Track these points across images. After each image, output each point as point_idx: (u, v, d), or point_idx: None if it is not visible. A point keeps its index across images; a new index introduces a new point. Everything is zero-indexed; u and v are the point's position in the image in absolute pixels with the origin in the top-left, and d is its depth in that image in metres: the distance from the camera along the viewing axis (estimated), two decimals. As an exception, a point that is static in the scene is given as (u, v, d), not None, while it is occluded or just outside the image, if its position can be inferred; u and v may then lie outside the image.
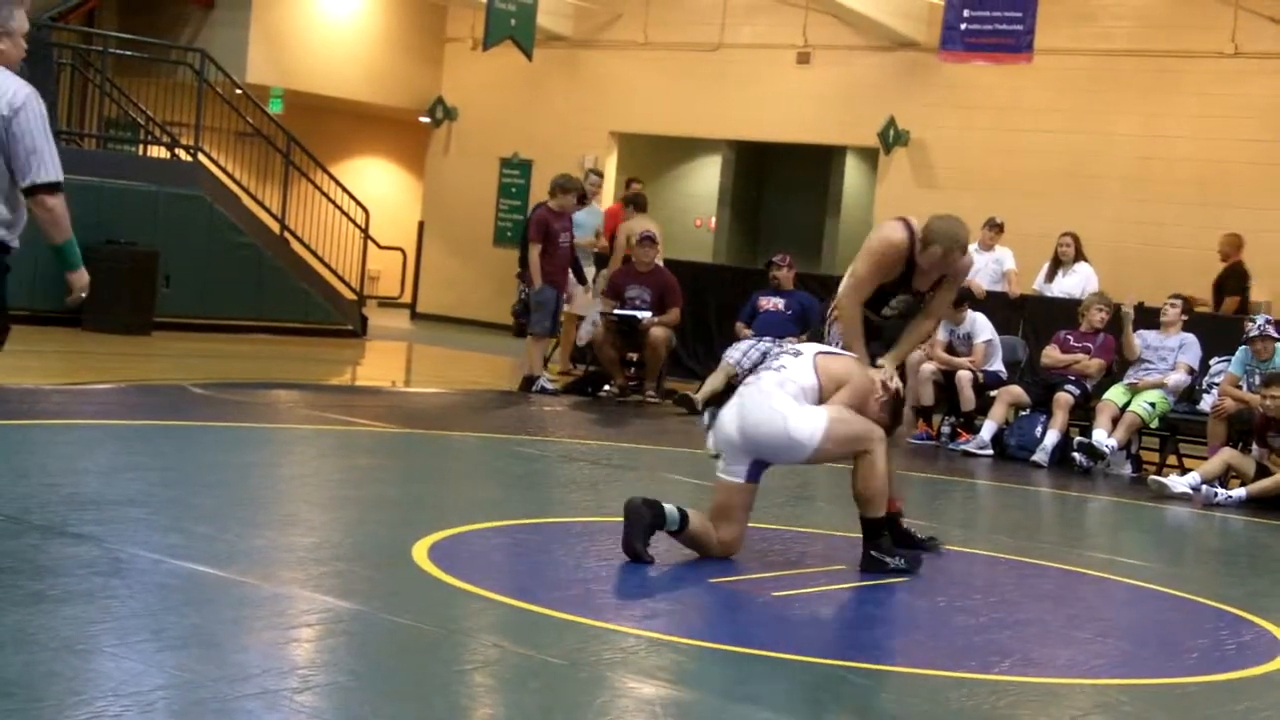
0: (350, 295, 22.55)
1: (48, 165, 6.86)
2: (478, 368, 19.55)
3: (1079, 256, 16.80)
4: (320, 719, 4.96)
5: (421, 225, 27.11)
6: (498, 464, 11.77)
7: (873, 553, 8.12)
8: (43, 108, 6.90)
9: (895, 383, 8.38)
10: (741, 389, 8.28)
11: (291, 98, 25.50)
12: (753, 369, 15.73)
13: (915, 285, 8.62)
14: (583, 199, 17.16)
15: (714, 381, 15.72)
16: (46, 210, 6.88)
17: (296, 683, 5.30)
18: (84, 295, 7.21)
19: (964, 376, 14.69)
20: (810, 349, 8.29)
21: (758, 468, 8.08)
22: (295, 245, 22.16)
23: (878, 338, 8.71)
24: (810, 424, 7.91)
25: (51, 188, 6.88)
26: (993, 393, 14.63)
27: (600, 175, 19.29)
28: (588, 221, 18.22)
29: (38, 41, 19.49)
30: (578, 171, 20.54)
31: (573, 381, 16.97)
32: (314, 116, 26.46)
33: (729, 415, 8.11)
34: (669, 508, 7.93)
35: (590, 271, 17.90)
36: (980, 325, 15.01)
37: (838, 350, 8.42)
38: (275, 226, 21.85)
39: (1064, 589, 8.58)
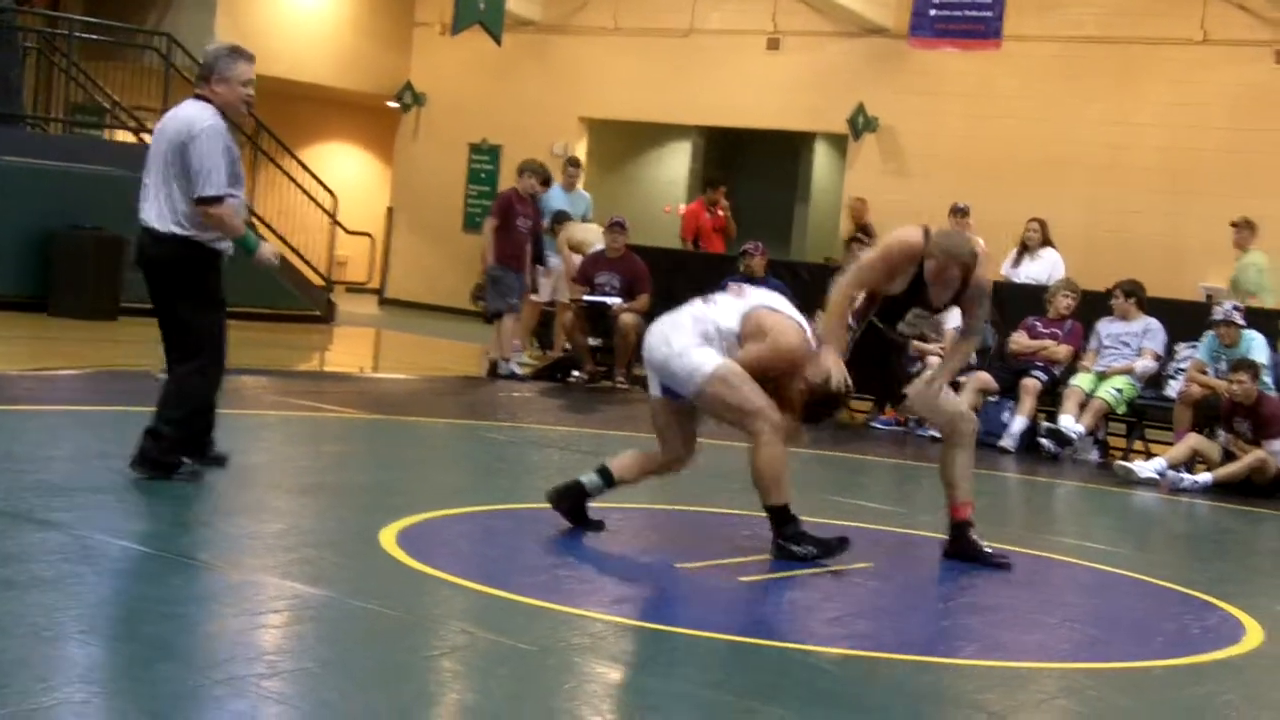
0: (318, 281, 22.50)
1: (212, 182, 8.28)
2: (446, 353, 19.54)
3: (1045, 242, 16.84)
4: (288, 706, 4.96)
5: (390, 211, 27.07)
6: (467, 450, 11.77)
7: (779, 541, 7.97)
8: (219, 137, 8.41)
9: (840, 375, 7.88)
10: (663, 315, 8.26)
11: (259, 82, 25.34)
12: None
13: (931, 300, 8.41)
14: (546, 182, 17.14)
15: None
16: (210, 217, 8.33)
17: (264, 669, 5.30)
18: (275, 261, 8.87)
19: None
20: (758, 298, 8.11)
21: (671, 390, 8.11)
22: (263, 230, 22.09)
23: (898, 351, 8.63)
24: (695, 365, 7.85)
25: (212, 200, 8.28)
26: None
27: (578, 165, 19.30)
28: (570, 209, 18.19)
29: (3, 25, 19.43)
30: (547, 157, 20.53)
31: (542, 367, 16.96)
32: (281, 102, 26.36)
33: (648, 335, 8.25)
34: (585, 480, 8.19)
35: (576, 257, 17.88)
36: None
37: (787, 313, 8.06)
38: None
39: (1031, 574, 8.60)
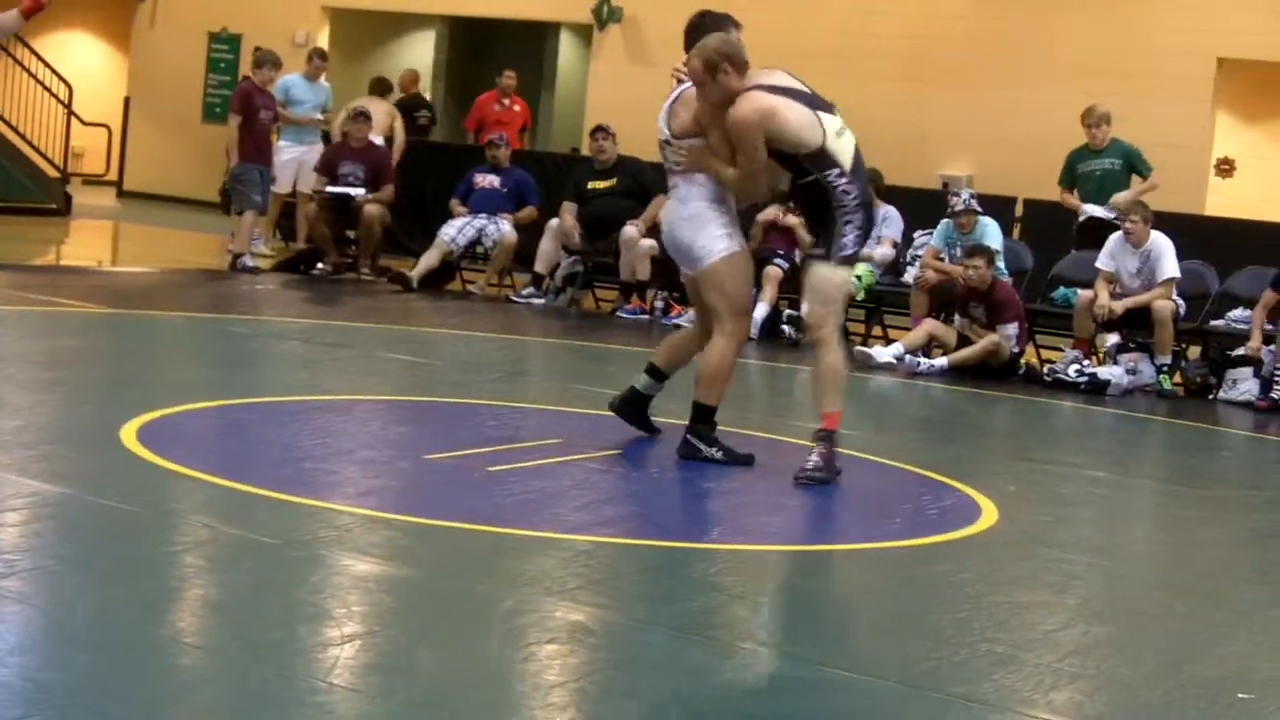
0: (53, 173, 21.89)
1: None
2: (186, 246, 19.17)
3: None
4: (26, 604, 4.87)
5: (128, 101, 26.40)
6: (208, 344, 11.61)
7: (690, 436, 8.04)
8: None
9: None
10: (674, 190, 8.26)
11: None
12: (468, 246, 15.85)
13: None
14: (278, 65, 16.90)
15: (429, 259, 15.68)
16: None
17: (1, 568, 5.19)
18: None
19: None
20: None
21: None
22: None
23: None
24: (710, 249, 8.03)
25: None
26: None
27: (324, 56, 18.95)
28: (312, 98, 17.89)
29: None
30: (288, 47, 20.22)
31: (285, 259, 16.75)
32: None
33: (666, 214, 8.36)
34: (639, 385, 8.42)
35: (318, 147, 17.56)
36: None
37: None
38: (-28, 102, 21.11)
39: (773, 458, 8.72)
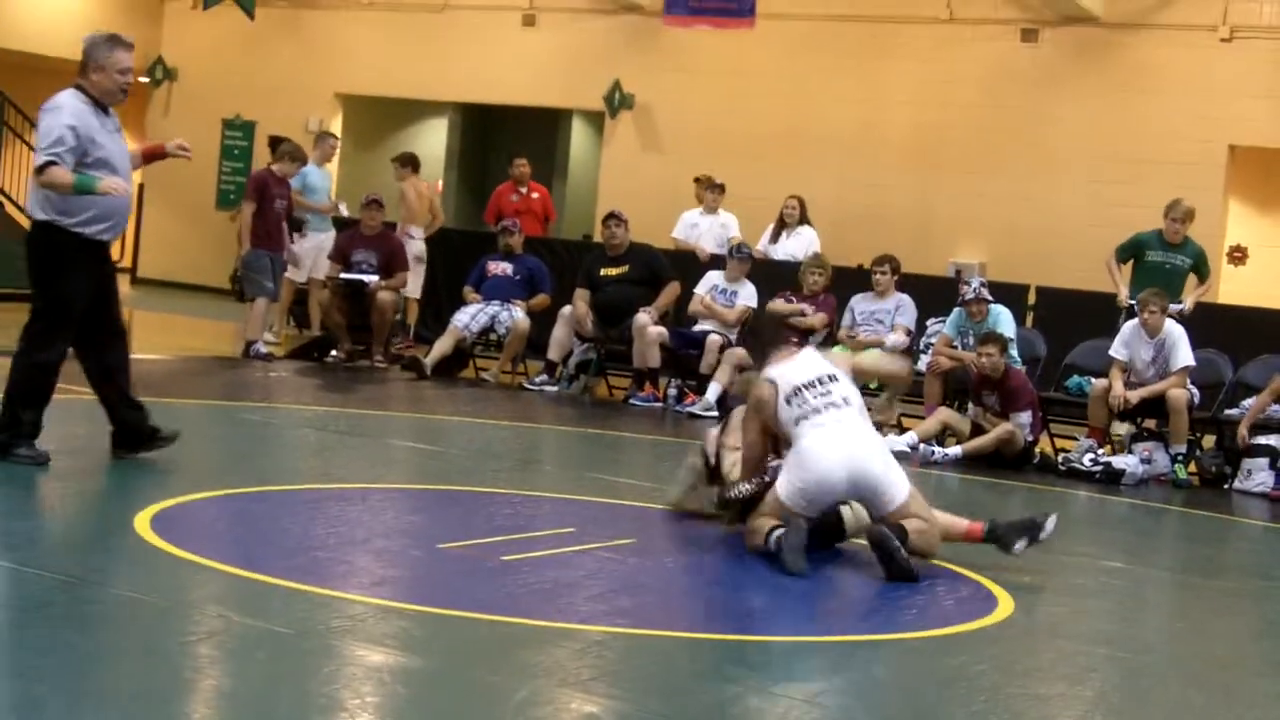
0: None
1: (40, 152, 8.46)
2: (200, 333, 19.22)
3: (803, 220, 17.05)
4: (39, 696, 4.85)
5: (141, 188, 26.52)
6: (222, 431, 11.59)
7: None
8: (59, 112, 8.47)
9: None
10: (841, 423, 8.31)
11: (4, 56, 24.77)
12: (481, 333, 15.87)
13: None
14: (304, 163, 16.96)
15: (442, 346, 15.68)
16: (44, 185, 8.46)
17: (17, 661, 5.17)
18: (124, 188, 8.55)
19: (714, 340, 14.83)
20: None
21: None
22: (9, 208, 21.52)
23: None
24: (904, 482, 8.18)
25: (38, 170, 8.44)
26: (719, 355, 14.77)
27: (337, 139, 19.03)
28: (322, 185, 17.99)
29: None
30: (301, 134, 20.30)
31: (299, 346, 16.76)
32: (29, 75, 25.65)
33: (835, 454, 8.13)
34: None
35: (330, 235, 17.62)
36: (748, 291, 15.28)
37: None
38: (-12, 189, 21.22)
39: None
